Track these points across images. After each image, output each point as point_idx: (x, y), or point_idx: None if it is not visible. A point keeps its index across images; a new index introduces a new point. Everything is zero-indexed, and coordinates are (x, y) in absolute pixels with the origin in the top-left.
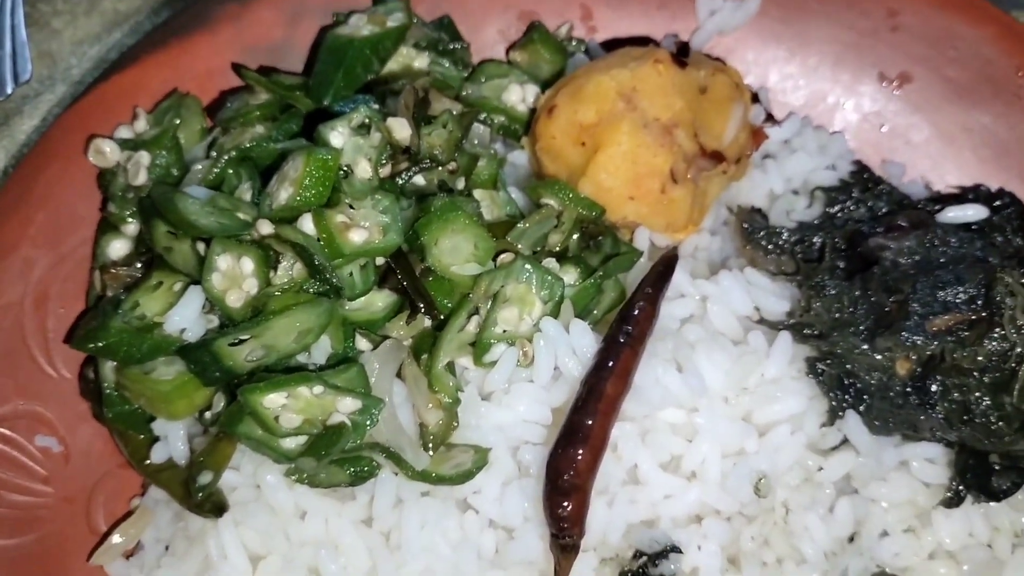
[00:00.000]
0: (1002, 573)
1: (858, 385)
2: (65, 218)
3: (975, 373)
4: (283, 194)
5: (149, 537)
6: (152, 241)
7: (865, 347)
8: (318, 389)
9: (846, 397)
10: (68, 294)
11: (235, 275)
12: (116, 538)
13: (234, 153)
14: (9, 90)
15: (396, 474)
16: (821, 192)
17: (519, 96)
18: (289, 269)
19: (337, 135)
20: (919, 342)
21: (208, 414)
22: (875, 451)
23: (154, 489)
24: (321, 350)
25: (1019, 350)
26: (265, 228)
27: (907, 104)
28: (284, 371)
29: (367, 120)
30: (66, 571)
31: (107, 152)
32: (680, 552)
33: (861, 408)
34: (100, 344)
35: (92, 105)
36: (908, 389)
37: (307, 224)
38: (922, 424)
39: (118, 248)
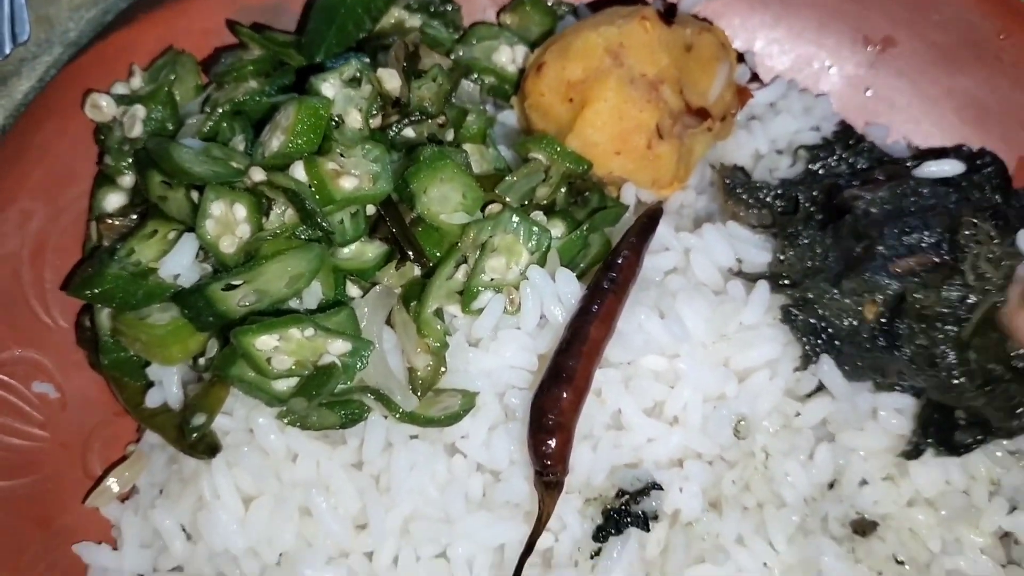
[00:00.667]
0: (979, 520)
1: (830, 330)
2: (62, 172)
3: (940, 324)
4: (275, 142)
5: (144, 481)
6: (147, 191)
7: (835, 291)
8: (309, 331)
9: (818, 342)
10: (65, 246)
11: (228, 221)
12: (111, 481)
13: (228, 107)
14: (7, 50)
15: (386, 417)
16: (804, 151)
17: (509, 57)
18: (281, 215)
19: (328, 86)
20: (883, 282)
21: (202, 360)
22: (849, 396)
23: (149, 435)
24: (312, 296)
25: (976, 297)
26: (257, 175)
27: (890, 68)
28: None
29: (358, 73)
30: (62, 513)
31: (103, 107)
32: (661, 489)
33: (833, 354)
34: (96, 290)
35: (89, 63)
36: (876, 332)
37: (299, 171)
38: (890, 369)
39: (114, 200)
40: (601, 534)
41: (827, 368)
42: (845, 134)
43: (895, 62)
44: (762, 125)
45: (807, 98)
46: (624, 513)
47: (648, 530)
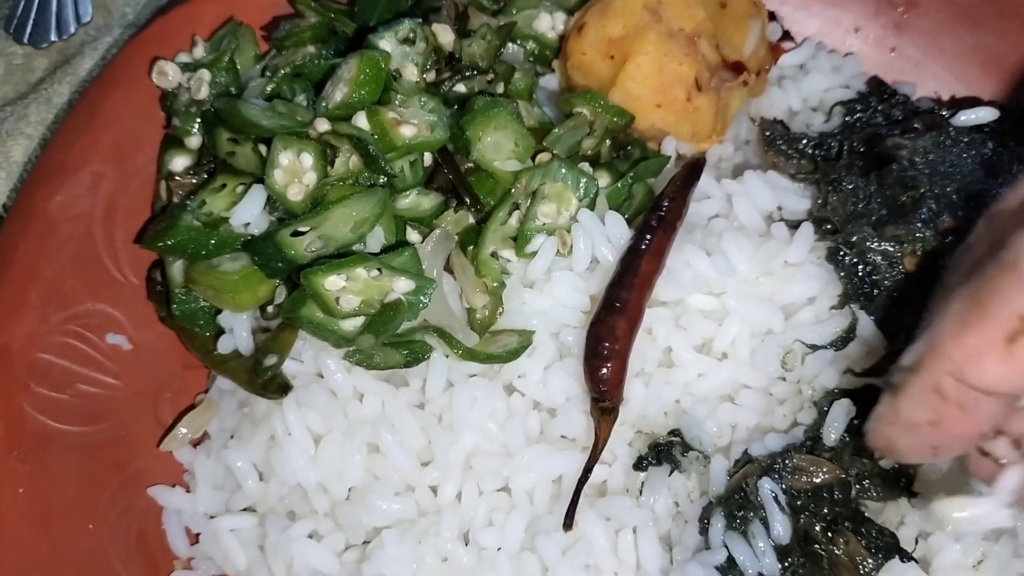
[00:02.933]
0: None
1: (873, 275)
2: (130, 138)
3: None
4: (338, 94)
5: (214, 427)
6: (215, 149)
7: (875, 236)
8: (374, 271)
9: (862, 284)
10: (135, 207)
11: (295, 170)
12: (182, 428)
13: (288, 69)
14: (72, 30)
15: (447, 356)
16: (840, 107)
17: (549, 24)
18: (345, 163)
19: (385, 42)
20: (927, 235)
21: (270, 308)
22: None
23: (218, 383)
24: (375, 241)
25: None
26: (322, 125)
27: (915, 28)
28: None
29: (411, 34)
30: (136, 458)
31: (169, 73)
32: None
33: (870, 300)
34: (170, 241)
35: (153, 35)
36: (913, 285)
37: (361, 120)
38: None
39: (181, 161)
40: (642, 463)
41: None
42: (878, 88)
43: (919, 22)
44: (794, 83)
45: (835, 58)
46: (665, 447)
47: (679, 468)
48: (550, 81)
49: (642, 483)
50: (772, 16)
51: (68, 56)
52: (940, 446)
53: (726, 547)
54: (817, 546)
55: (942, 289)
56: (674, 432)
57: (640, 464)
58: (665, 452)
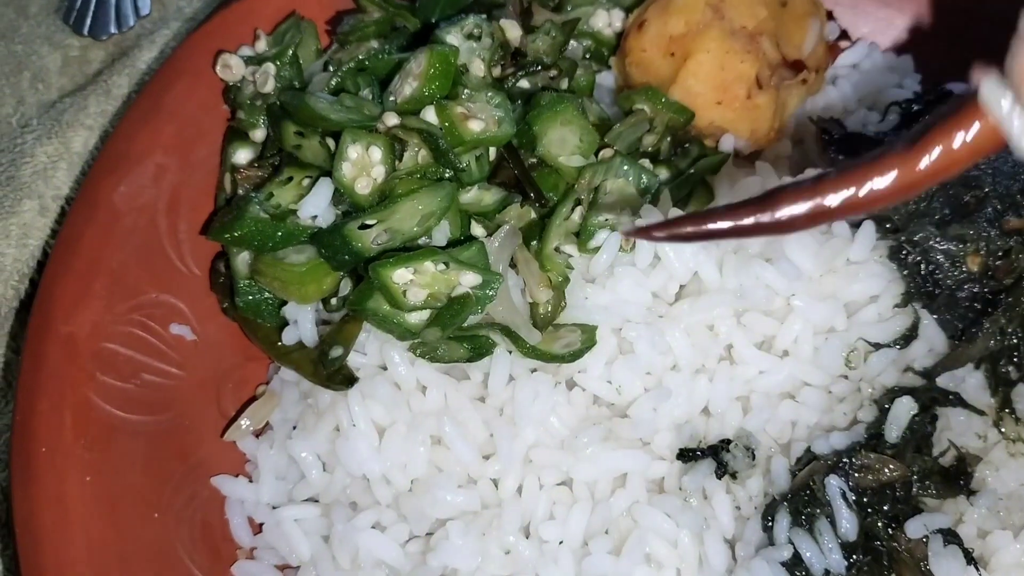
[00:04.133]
0: None
1: (936, 275)
2: (193, 130)
3: None
4: (407, 89)
5: (277, 418)
6: (282, 142)
7: (939, 236)
8: (442, 265)
9: (924, 283)
10: (198, 199)
11: (364, 164)
12: (245, 419)
13: (352, 64)
14: (132, 22)
15: (510, 352)
16: (896, 106)
17: (605, 21)
18: (414, 157)
19: (452, 37)
20: (992, 235)
21: (334, 301)
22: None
23: (281, 374)
24: (441, 235)
25: None
26: (391, 120)
27: (973, 34)
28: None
29: (476, 29)
30: (199, 447)
31: (233, 66)
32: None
33: (935, 292)
34: (237, 233)
35: (215, 29)
36: (976, 291)
37: (430, 115)
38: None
39: (245, 154)
40: (685, 455)
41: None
42: (935, 88)
43: (977, 28)
44: (849, 83)
45: (890, 57)
46: (708, 450)
47: (722, 467)
48: (606, 79)
49: (703, 487)
50: (829, 15)
51: (125, 49)
52: None
53: (791, 544)
54: (879, 543)
55: None
56: (725, 440)
57: (684, 455)
58: (713, 450)
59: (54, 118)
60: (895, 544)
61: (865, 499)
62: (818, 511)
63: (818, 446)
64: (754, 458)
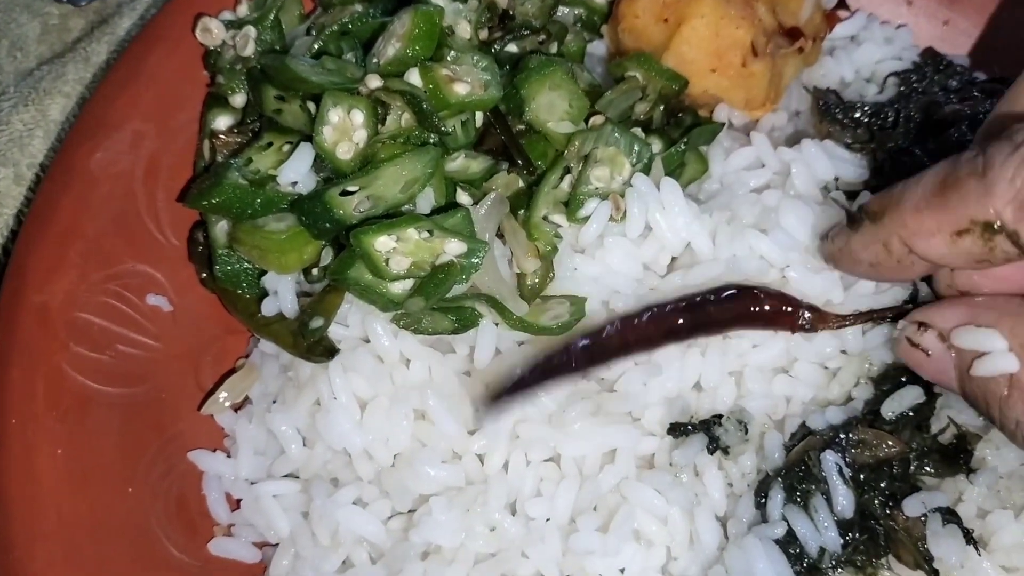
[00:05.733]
0: None
1: None
2: (172, 96)
3: None
4: (390, 50)
5: (256, 391)
6: (262, 106)
7: None
8: (426, 232)
9: None
10: (177, 166)
11: (345, 128)
12: (223, 392)
13: (335, 27)
14: None
15: (496, 324)
16: (894, 77)
17: None
18: (397, 121)
19: None
20: None
21: (315, 271)
22: None
23: (260, 347)
24: (425, 202)
25: None
26: (374, 82)
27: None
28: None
29: None
30: (176, 421)
31: (214, 30)
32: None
33: None
34: (215, 200)
35: None
36: None
37: (414, 76)
38: None
39: (225, 120)
40: (675, 430)
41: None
42: (933, 59)
43: None
44: (846, 54)
45: (887, 29)
46: (700, 425)
47: (714, 442)
48: (597, 47)
49: (695, 464)
50: None
51: (105, 16)
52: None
53: (785, 521)
54: (875, 522)
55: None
56: (717, 415)
57: (675, 430)
58: (705, 424)
59: (31, 85)
60: (892, 523)
61: (862, 476)
62: (813, 487)
63: (813, 421)
64: (747, 432)
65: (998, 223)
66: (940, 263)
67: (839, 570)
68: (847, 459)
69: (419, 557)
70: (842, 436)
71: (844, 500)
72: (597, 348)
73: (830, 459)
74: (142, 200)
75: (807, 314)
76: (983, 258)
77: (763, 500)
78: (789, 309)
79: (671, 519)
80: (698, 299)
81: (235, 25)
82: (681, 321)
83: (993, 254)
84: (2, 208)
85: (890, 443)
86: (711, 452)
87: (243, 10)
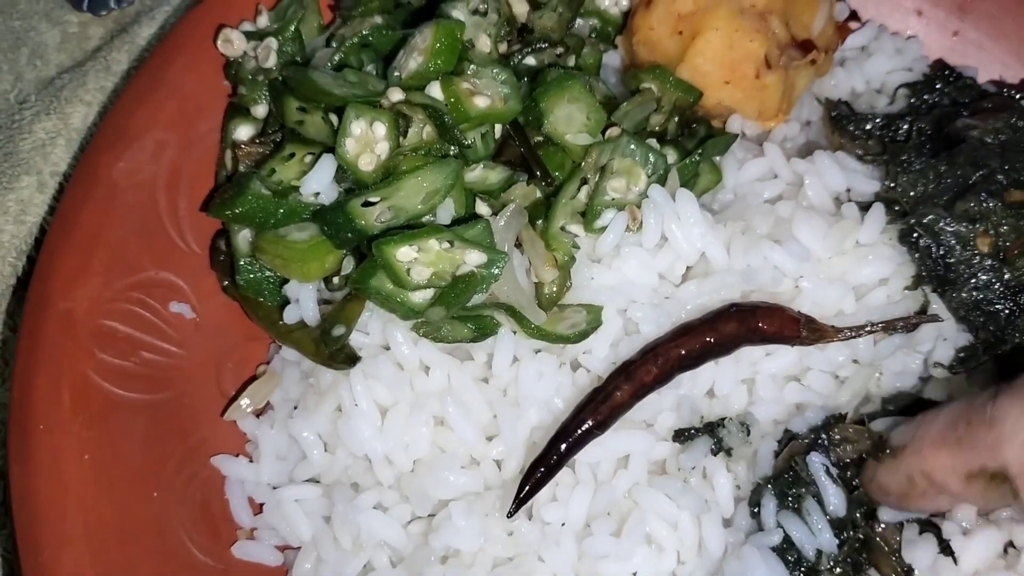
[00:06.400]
0: None
1: (948, 259)
2: (194, 106)
3: None
4: (412, 63)
5: (278, 398)
6: (284, 118)
7: (948, 217)
8: (446, 243)
9: (935, 266)
10: (198, 176)
11: (367, 140)
12: (245, 399)
13: (356, 40)
14: None
15: (515, 332)
16: (905, 88)
17: (611, 0)
18: (418, 133)
19: (458, 12)
20: (997, 208)
21: (336, 279)
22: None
23: (281, 355)
24: (445, 213)
25: None
26: (396, 95)
27: (978, 11)
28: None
29: (483, 5)
30: (199, 427)
31: (235, 41)
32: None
33: (948, 276)
34: (239, 210)
35: (216, 4)
36: (990, 270)
37: (435, 90)
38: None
39: (246, 130)
40: (680, 436)
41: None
42: (943, 71)
43: (982, 5)
44: (857, 65)
45: (898, 40)
46: (708, 428)
47: (718, 444)
48: (612, 58)
49: (704, 467)
50: None
51: (124, 25)
52: (904, 507)
53: (781, 527)
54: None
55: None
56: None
57: (680, 435)
58: (709, 427)
59: (52, 94)
60: (869, 531)
61: (849, 473)
62: (803, 491)
63: (794, 424)
64: (749, 434)
65: (1004, 474)
66: (958, 495)
67: (837, 571)
68: (832, 458)
69: (439, 561)
70: (824, 436)
71: (835, 499)
72: (608, 407)
73: (816, 460)
74: (164, 209)
75: (805, 331)
76: (993, 502)
77: (757, 510)
78: (788, 325)
79: (681, 524)
80: (697, 328)
81: (256, 36)
82: (684, 353)
83: (1001, 499)
84: (26, 216)
85: (868, 435)
86: (714, 454)
87: (263, 21)
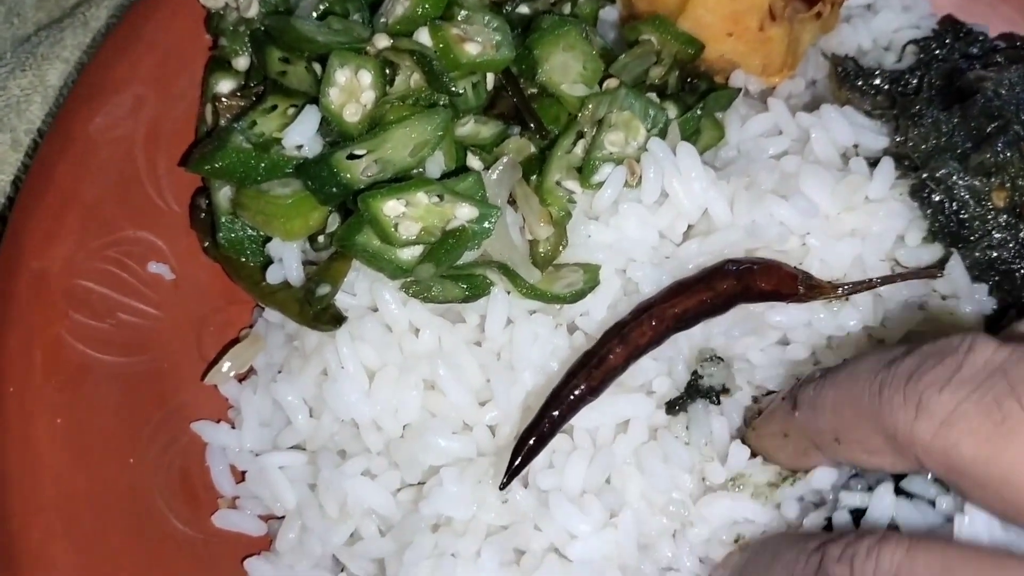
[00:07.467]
0: None
1: (962, 214)
2: (174, 61)
3: None
4: (399, 8)
5: (261, 362)
6: (266, 68)
7: (961, 170)
8: (436, 196)
9: (948, 222)
10: (178, 132)
11: (352, 89)
12: (227, 362)
13: None
14: None
15: (508, 293)
16: (913, 45)
17: None
18: (406, 81)
19: None
20: (1012, 157)
21: (320, 238)
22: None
23: (264, 317)
24: (435, 166)
25: None
26: (382, 41)
27: None
28: None
29: None
30: (178, 391)
31: None
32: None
33: (961, 232)
34: (218, 164)
35: None
36: (1005, 226)
37: (423, 36)
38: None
39: (228, 84)
40: (672, 408)
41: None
42: (953, 26)
43: None
44: (864, 22)
45: None
46: (692, 388)
47: (718, 402)
48: (608, 13)
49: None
50: None
51: None
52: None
53: None
54: None
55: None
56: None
57: (672, 406)
58: (690, 389)
59: (29, 51)
60: None
61: None
62: None
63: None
64: (723, 361)
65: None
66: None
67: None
68: None
69: (430, 529)
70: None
71: None
72: (602, 372)
73: None
74: (143, 166)
75: (803, 288)
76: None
77: None
78: (786, 282)
79: (682, 484)
80: (692, 286)
81: None
82: (678, 312)
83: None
84: None
85: None
86: (716, 403)
87: None
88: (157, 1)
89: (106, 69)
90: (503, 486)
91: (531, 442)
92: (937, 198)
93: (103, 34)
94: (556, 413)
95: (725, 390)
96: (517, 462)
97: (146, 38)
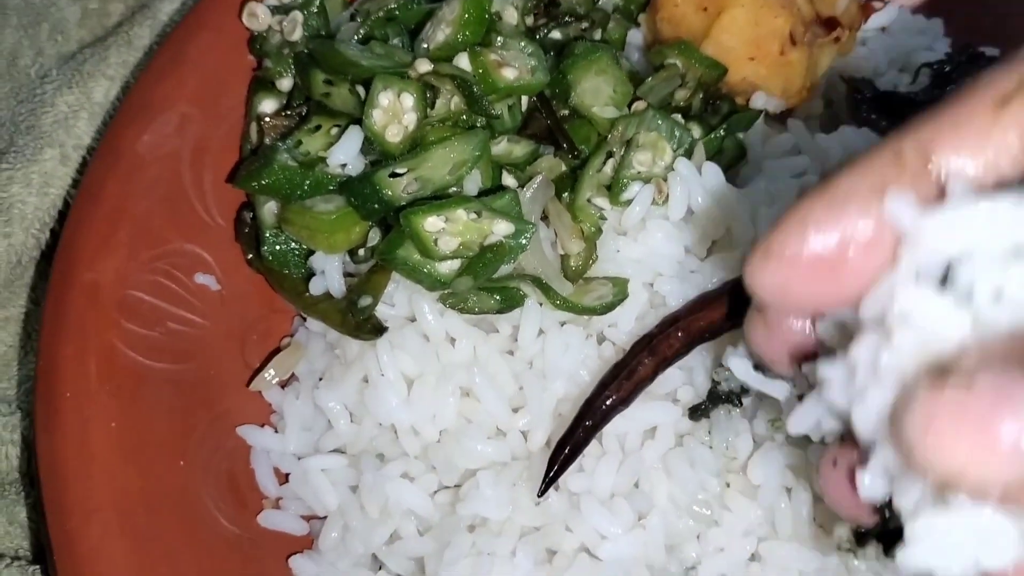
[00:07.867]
0: None
1: None
2: (218, 81)
3: None
4: (440, 35)
5: (303, 369)
6: (310, 90)
7: None
8: (475, 213)
9: None
10: (223, 150)
11: (395, 111)
12: (271, 370)
13: (381, 13)
14: None
15: (540, 304)
16: (927, 68)
17: None
18: (446, 104)
19: None
20: None
21: (361, 251)
22: None
23: (306, 327)
24: (472, 184)
25: None
26: (423, 66)
27: None
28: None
29: None
30: (224, 397)
31: (260, 15)
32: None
33: None
34: (265, 181)
35: None
36: None
37: (463, 61)
38: None
39: (271, 104)
40: (695, 415)
41: None
42: (967, 49)
43: None
44: (879, 44)
45: (919, 20)
46: (713, 395)
47: (740, 404)
48: (634, 36)
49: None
50: None
51: (145, 1)
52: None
53: None
54: None
55: None
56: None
57: (693, 415)
58: (712, 396)
59: (74, 68)
60: None
61: None
62: None
63: None
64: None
65: None
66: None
67: None
68: None
69: (467, 530)
70: None
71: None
72: (632, 383)
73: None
74: (189, 181)
75: None
76: None
77: None
78: None
79: (708, 487)
80: (716, 298)
81: (280, 10)
82: (704, 326)
83: None
84: (49, 189)
85: None
86: (739, 405)
87: None
88: (201, 22)
89: (152, 88)
90: (541, 493)
91: (566, 451)
92: None
93: (147, 53)
94: (589, 423)
95: (744, 391)
96: (554, 471)
97: (191, 58)
